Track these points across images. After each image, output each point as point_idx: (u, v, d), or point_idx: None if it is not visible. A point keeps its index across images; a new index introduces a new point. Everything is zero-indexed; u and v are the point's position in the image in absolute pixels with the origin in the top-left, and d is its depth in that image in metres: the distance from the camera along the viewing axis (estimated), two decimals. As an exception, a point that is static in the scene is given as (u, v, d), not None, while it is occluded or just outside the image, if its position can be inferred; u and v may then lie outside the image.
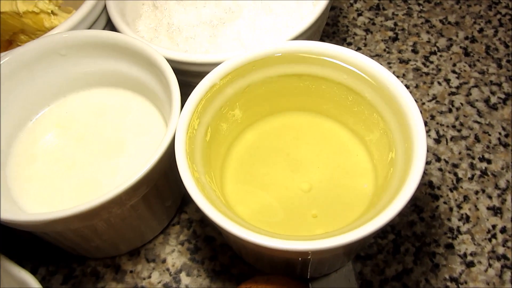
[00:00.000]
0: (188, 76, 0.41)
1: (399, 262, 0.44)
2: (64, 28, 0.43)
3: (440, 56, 0.59)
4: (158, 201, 0.40)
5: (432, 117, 0.53)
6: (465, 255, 0.44)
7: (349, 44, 0.60)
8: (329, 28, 0.62)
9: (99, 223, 0.36)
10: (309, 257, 0.35)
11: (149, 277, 0.43)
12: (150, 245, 0.45)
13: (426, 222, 0.46)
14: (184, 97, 0.37)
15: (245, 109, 0.42)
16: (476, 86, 0.56)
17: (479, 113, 0.54)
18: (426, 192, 0.48)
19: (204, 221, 0.46)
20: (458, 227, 0.46)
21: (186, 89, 0.38)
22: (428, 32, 0.61)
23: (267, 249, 0.31)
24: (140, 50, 0.40)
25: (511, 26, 0.61)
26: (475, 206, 0.47)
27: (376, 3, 0.65)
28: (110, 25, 0.47)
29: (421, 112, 0.35)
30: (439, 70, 0.58)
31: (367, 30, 0.62)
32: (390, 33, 0.61)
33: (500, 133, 0.52)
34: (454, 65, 0.58)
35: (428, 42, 0.60)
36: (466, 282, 0.43)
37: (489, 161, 0.50)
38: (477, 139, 0.52)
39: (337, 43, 0.52)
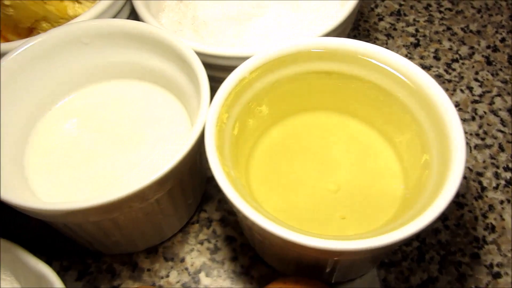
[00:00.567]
0: (213, 70, 0.40)
1: (424, 271, 0.43)
2: (88, 17, 0.42)
3: (463, 64, 0.58)
4: (181, 197, 0.39)
5: (456, 124, 0.52)
6: (491, 265, 0.43)
7: (370, 48, 0.59)
8: (349, 32, 0.61)
9: (121, 217, 0.35)
10: (340, 258, 0.34)
11: (167, 276, 0.42)
12: (168, 243, 0.43)
13: (451, 230, 0.45)
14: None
15: (272, 105, 0.41)
16: (499, 95, 0.55)
17: (502, 122, 0.53)
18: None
19: (224, 220, 0.45)
20: (484, 236, 0.45)
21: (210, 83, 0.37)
22: (449, 40, 0.61)
23: (302, 247, 0.30)
24: (168, 42, 0.39)
25: (534, 37, 0.61)
26: (501, 216, 0.46)
27: (397, 9, 0.64)
28: (132, 17, 0.46)
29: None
30: (462, 78, 0.57)
31: (388, 35, 0.61)
32: (412, 39, 0.61)
33: (525, 143, 0.51)
34: (477, 73, 0.57)
35: (450, 49, 0.59)
36: (493, 293, 0.41)
37: (514, 171, 0.49)
38: (501, 149, 0.51)
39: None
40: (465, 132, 0.52)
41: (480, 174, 0.49)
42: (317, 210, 0.38)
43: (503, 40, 0.61)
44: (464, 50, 0.59)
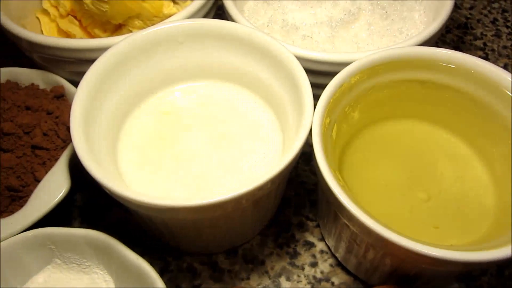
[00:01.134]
0: (312, 75, 0.39)
1: (504, 286, 0.42)
2: (181, 16, 0.43)
3: (532, 79, 0.57)
4: (273, 199, 0.38)
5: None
6: None
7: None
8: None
9: (220, 216, 0.35)
10: (442, 269, 0.33)
11: (248, 278, 0.42)
12: (247, 245, 0.43)
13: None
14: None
15: (363, 111, 0.41)
16: None
17: None
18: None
19: (303, 225, 0.44)
20: None
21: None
22: (518, 55, 0.60)
23: (418, 256, 0.29)
24: (267, 46, 0.39)
25: None
26: None
27: (464, 22, 0.64)
28: (216, 18, 0.46)
29: None
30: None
31: (456, 48, 0.61)
32: (480, 53, 0.60)
33: None
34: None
35: (519, 64, 0.59)
36: None
37: None
38: None
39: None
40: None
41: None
42: (408, 218, 0.38)
43: None
44: (533, 66, 0.59)
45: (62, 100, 0.44)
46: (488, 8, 0.65)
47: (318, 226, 0.44)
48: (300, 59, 0.37)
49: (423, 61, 0.39)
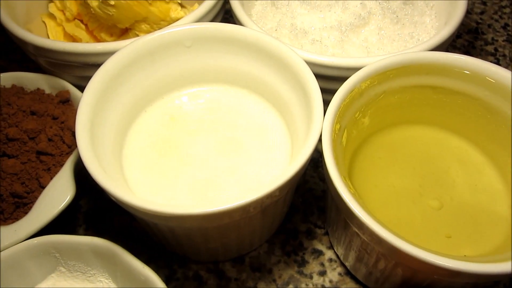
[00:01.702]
0: (321, 80, 0.39)
1: (517, 297, 0.41)
2: (188, 20, 0.42)
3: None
4: (282, 207, 0.38)
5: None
6: None
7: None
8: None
9: (228, 224, 0.34)
10: (457, 280, 0.33)
11: (255, 287, 0.41)
12: (254, 253, 0.42)
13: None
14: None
15: (374, 116, 0.40)
16: None
17: None
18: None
19: (311, 233, 0.44)
20: None
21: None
22: (529, 60, 0.59)
23: (432, 267, 0.29)
24: (276, 50, 0.38)
25: None
26: None
27: (474, 27, 0.63)
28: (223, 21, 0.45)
29: None
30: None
31: (466, 53, 0.60)
32: (491, 58, 0.59)
33: None
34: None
35: (531, 70, 0.58)
36: None
37: None
38: None
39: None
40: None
41: None
42: (420, 227, 0.37)
43: None
44: (545, 72, 0.58)
45: (67, 105, 0.44)
46: (499, 13, 0.64)
47: (326, 233, 0.44)
48: (310, 63, 0.37)
49: (436, 66, 0.38)
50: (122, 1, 0.41)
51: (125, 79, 0.39)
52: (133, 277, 0.34)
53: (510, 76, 0.36)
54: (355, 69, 0.37)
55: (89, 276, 0.36)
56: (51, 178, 0.38)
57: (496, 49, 0.60)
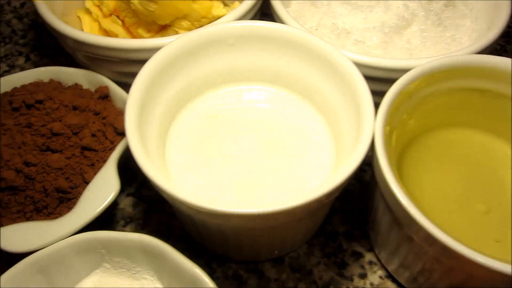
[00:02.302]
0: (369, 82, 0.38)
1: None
2: (230, 18, 0.42)
3: None
4: (325, 211, 0.37)
5: None
6: None
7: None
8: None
9: (276, 225, 0.34)
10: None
11: (296, 287, 0.40)
12: (294, 254, 0.42)
13: None
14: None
15: (420, 118, 0.39)
16: None
17: None
18: None
19: (350, 234, 0.43)
20: None
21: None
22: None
23: (490, 273, 0.28)
24: (322, 50, 0.38)
25: None
26: None
27: (506, 31, 0.62)
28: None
29: None
30: None
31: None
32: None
33: None
34: None
35: None
36: None
37: None
38: None
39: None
40: None
41: None
42: (468, 231, 0.37)
43: None
44: None
45: (107, 101, 0.43)
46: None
47: (365, 236, 0.43)
48: (355, 64, 0.36)
49: (484, 69, 0.38)
50: (165, -1, 0.41)
51: (169, 75, 0.39)
52: (181, 275, 0.34)
53: None
54: (401, 71, 0.36)
55: (134, 273, 0.36)
56: (95, 174, 0.38)
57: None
